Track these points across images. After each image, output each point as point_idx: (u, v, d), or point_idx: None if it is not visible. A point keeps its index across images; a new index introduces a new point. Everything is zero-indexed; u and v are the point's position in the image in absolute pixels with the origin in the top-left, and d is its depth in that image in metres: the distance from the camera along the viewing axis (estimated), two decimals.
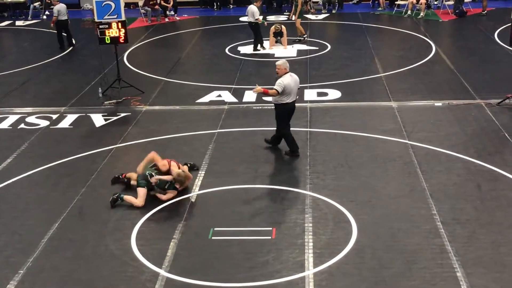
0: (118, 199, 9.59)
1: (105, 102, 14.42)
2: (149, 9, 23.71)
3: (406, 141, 11.61)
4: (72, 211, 9.51)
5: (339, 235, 8.59)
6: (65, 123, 13.31)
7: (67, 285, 7.73)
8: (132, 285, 7.67)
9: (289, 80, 10.88)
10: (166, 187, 9.75)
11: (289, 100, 10.97)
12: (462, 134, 11.92)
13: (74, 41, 20.02)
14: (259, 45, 18.60)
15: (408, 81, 15.34)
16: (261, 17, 18.46)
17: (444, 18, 22.67)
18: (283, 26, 19.08)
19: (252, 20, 18.14)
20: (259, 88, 10.97)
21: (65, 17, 19.31)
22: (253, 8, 18.11)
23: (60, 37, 19.65)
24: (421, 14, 22.96)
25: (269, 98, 12.14)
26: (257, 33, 18.44)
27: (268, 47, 19.01)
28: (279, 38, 19.16)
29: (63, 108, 14.21)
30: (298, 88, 11.27)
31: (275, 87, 10.84)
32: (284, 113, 11.15)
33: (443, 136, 11.83)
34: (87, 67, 17.47)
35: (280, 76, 10.93)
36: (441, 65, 16.74)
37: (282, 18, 22.42)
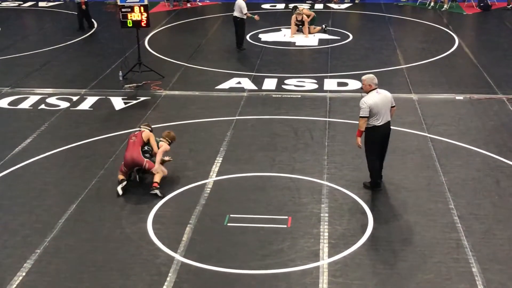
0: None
1: (125, 86, 14.46)
2: None
3: (426, 134, 11.53)
4: (90, 193, 9.57)
5: (355, 226, 8.57)
6: (85, 105, 13.38)
7: (82, 266, 7.80)
8: (147, 268, 7.72)
9: (375, 98, 9.13)
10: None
11: (377, 122, 9.18)
12: (482, 129, 11.81)
13: (94, 22, 20.07)
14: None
15: (430, 74, 15.21)
16: (249, 13, 17.30)
17: (468, 11, 22.39)
18: (304, 16, 18.97)
19: (238, 15, 17.13)
20: (358, 142, 9.41)
21: None
22: (241, 3, 17.06)
23: (82, 18, 19.75)
24: (445, 6, 22.71)
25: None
26: (241, 29, 17.41)
27: (289, 35, 18.91)
28: (300, 26, 19.07)
29: (84, 90, 14.28)
30: (393, 106, 9.39)
31: (360, 113, 9.19)
32: (374, 138, 9.30)
33: (463, 130, 11.73)
34: (108, 50, 17.52)
35: (366, 94, 9.35)
36: (463, 58, 16.57)
37: (305, 6, 22.27)
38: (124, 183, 9.54)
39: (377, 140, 9.33)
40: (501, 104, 13.03)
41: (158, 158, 9.68)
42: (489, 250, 7.95)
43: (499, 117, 12.36)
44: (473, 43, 18.36)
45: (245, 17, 17.12)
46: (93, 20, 20.25)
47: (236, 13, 17.18)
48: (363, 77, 9.38)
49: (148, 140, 9.86)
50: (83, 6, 19.53)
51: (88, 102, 13.51)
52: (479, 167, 10.30)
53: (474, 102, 13.20)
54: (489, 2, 22.61)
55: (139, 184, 9.77)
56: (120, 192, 9.45)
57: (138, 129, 10.22)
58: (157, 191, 9.40)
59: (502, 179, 9.85)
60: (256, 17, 17.62)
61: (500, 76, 14.78)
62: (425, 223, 8.61)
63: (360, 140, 9.37)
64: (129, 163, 9.64)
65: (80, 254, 8.05)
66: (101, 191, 9.62)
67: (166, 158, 10.10)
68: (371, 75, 9.36)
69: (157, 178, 9.53)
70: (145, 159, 9.67)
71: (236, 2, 17.19)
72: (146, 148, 9.85)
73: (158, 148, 9.83)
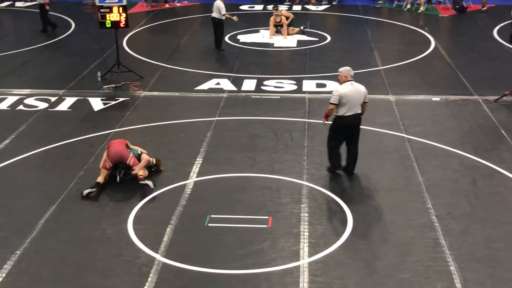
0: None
1: (104, 86, 14.42)
2: None
3: (403, 135, 11.67)
4: (70, 193, 9.55)
5: (335, 225, 8.67)
6: (64, 106, 13.32)
7: (63, 267, 7.78)
8: (128, 269, 7.74)
9: (347, 89, 9.59)
10: (139, 153, 10.00)
11: (344, 112, 9.63)
12: (459, 130, 11.99)
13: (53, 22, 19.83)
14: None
15: (407, 75, 15.39)
16: (228, 14, 17.36)
17: (444, 13, 22.67)
18: (283, 17, 19.08)
19: (217, 16, 17.14)
20: (323, 122, 9.97)
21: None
22: (219, 4, 17.06)
23: (45, 19, 19.52)
24: (421, 8, 22.96)
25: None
26: (220, 30, 17.44)
27: (268, 36, 19.00)
28: (279, 27, 19.17)
29: (62, 91, 14.21)
30: (365, 102, 9.82)
31: (330, 99, 9.73)
32: (338, 127, 9.81)
33: (440, 131, 11.90)
34: (86, 51, 17.43)
35: (340, 84, 9.81)
36: (439, 60, 16.79)
37: (283, 7, 22.37)
38: (94, 191, 9.41)
39: (340, 129, 9.79)
40: (477, 105, 13.23)
41: (142, 163, 9.75)
42: (466, 249, 8.09)
43: (475, 118, 12.55)
44: (449, 45, 18.60)
45: (223, 18, 17.14)
46: (53, 21, 19.96)
47: (214, 14, 17.19)
48: (340, 69, 9.89)
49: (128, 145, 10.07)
50: (47, 7, 19.27)
51: (67, 103, 13.45)
52: (455, 167, 10.47)
53: (450, 103, 13.39)
54: (464, 4, 22.90)
55: (119, 184, 9.75)
56: (84, 193, 9.36)
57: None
58: (148, 182, 9.50)
59: (478, 179, 10.02)
60: (234, 18, 17.63)
61: (475, 78, 15.00)
62: (403, 222, 8.74)
63: (325, 121, 9.96)
64: (114, 157, 9.68)
65: (60, 255, 8.03)
66: (81, 191, 9.57)
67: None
68: (348, 67, 9.87)
69: (141, 172, 9.65)
70: (131, 154, 9.73)
71: (215, 3, 17.21)
72: (129, 150, 9.93)
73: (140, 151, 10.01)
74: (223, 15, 17.07)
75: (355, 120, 9.77)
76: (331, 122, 9.98)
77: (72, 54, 17.32)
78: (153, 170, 10.10)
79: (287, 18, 19.24)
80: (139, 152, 10.04)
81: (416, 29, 20.26)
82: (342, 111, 9.63)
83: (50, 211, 9.03)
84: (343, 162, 10.12)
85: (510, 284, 7.43)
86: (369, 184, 9.84)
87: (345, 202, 9.23)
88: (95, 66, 15.72)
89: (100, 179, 9.63)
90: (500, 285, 7.41)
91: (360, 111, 9.78)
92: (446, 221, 8.74)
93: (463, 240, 8.32)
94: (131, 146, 10.14)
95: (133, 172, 9.71)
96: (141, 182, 9.54)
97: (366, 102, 9.86)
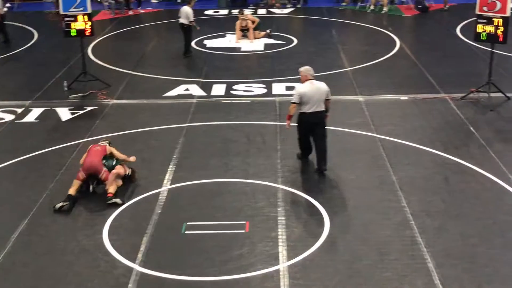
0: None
1: (71, 96, 14.22)
2: (113, 1, 23.44)
3: (374, 135, 11.75)
4: (42, 206, 9.37)
5: (312, 227, 8.67)
6: (31, 117, 13.10)
7: (39, 281, 7.64)
8: (106, 280, 7.62)
9: (307, 88, 9.99)
10: (113, 164, 9.83)
11: (305, 109, 10.01)
12: (428, 128, 12.12)
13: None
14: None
15: (374, 76, 15.53)
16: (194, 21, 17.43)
17: (407, 13, 22.95)
18: (249, 21, 19.10)
19: (185, 22, 17.13)
20: (287, 124, 10.37)
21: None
22: (187, 10, 17.10)
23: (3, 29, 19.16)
24: (384, 9, 23.20)
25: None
26: (188, 36, 17.44)
27: (235, 40, 18.99)
28: (245, 32, 19.17)
29: (28, 101, 13.97)
30: (328, 99, 10.18)
31: (291, 99, 10.20)
32: (301, 123, 10.23)
33: (410, 130, 12.02)
34: (51, 60, 17.19)
35: (301, 83, 10.21)
36: (405, 59, 16.98)
37: (248, 11, 22.38)
38: (66, 204, 9.20)
39: (304, 125, 10.22)
40: (445, 103, 13.40)
41: (111, 177, 9.59)
42: (443, 246, 8.16)
43: (443, 115, 12.71)
44: (413, 44, 18.82)
45: (191, 24, 17.13)
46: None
47: (182, 20, 17.16)
48: (300, 69, 10.30)
49: (111, 153, 9.89)
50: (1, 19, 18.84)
51: (34, 114, 13.22)
52: (427, 165, 10.58)
53: (418, 102, 13.54)
54: (426, 4, 23.22)
55: (92, 195, 9.61)
56: (56, 207, 9.17)
57: (104, 142, 10.17)
58: (115, 200, 9.30)
59: (450, 176, 10.14)
60: (197, 27, 17.67)
61: (441, 76, 15.20)
62: (379, 221, 8.79)
63: (288, 123, 10.32)
64: (88, 168, 9.54)
65: (36, 269, 7.88)
66: (53, 204, 9.39)
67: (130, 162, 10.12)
68: (308, 67, 10.29)
69: (111, 189, 9.42)
70: (104, 168, 9.58)
71: (182, 9, 17.22)
72: (104, 162, 9.76)
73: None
74: (191, 22, 17.06)
75: (318, 117, 10.10)
76: (296, 124, 10.36)
77: (37, 64, 17.07)
78: (125, 180, 9.96)
79: (253, 22, 19.27)
80: (114, 164, 9.88)
81: (381, 29, 20.46)
82: (305, 109, 10.02)
83: (22, 224, 8.85)
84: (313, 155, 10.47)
85: (487, 278, 7.52)
86: (344, 184, 9.88)
87: (321, 203, 9.24)
88: (61, 76, 15.51)
89: (71, 191, 9.45)
90: (477, 280, 7.49)
91: (323, 109, 10.12)
92: (421, 219, 8.82)
93: (439, 237, 8.40)
94: (115, 153, 9.93)
95: (106, 187, 9.56)
96: (108, 202, 9.30)
97: (329, 99, 10.24)
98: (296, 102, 10.03)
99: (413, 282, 7.46)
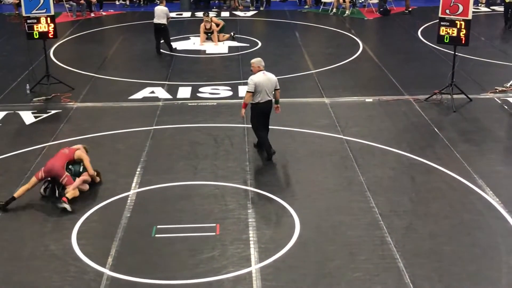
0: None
1: (34, 99, 13.98)
2: (74, 3, 23.16)
3: (341, 136, 11.85)
4: (7, 211, 9.18)
5: (283, 229, 8.69)
6: None
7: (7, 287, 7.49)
8: (76, 285, 7.51)
9: (261, 78, 10.55)
10: (81, 170, 9.75)
11: (259, 99, 10.57)
12: (393, 129, 12.28)
13: None
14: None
15: (339, 78, 15.66)
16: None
17: (369, 16, 23.23)
18: (213, 23, 19.07)
19: (163, 21, 17.32)
20: (242, 113, 10.84)
21: None
22: (165, 10, 17.32)
23: None
24: (347, 12, 23.44)
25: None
26: (166, 35, 17.69)
27: (199, 43, 18.94)
28: (209, 34, 19.14)
29: None
30: (277, 89, 10.79)
31: (246, 88, 10.70)
32: (256, 112, 10.75)
33: (376, 131, 12.15)
34: (12, 63, 16.85)
35: (253, 74, 10.72)
36: (369, 62, 17.17)
37: (211, 14, 22.34)
38: (2, 204, 9.18)
39: (258, 114, 10.73)
40: (409, 104, 13.59)
41: (76, 183, 9.47)
42: (412, 245, 8.26)
43: (407, 117, 12.89)
44: (376, 47, 19.05)
45: (167, 22, 17.39)
46: None
47: (160, 20, 17.30)
48: (252, 60, 10.84)
49: (79, 159, 9.77)
50: None
51: None
52: (393, 165, 10.71)
53: (383, 103, 13.70)
54: (387, 7, 23.54)
55: (59, 199, 9.45)
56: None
57: (76, 146, 10.05)
58: (66, 205, 9.12)
59: (416, 176, 10.28)
60: None
61: (404, 78, 15.42)
62: (349, 222, 8.85)
63: (244, 112, 10.79)
64: (48, 171, 9.41)
65: (3, 275, 7.71)
66: (19, 209, 9.24)
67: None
68: (259, 59, 10.86)
69: (68, 194, 9.30)
70: (66, 173, 9.44)
71: (158, 8, 17.45)
72: (70, 167, 9.65)
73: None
74: (168, 19, 17.38)
75: (269, 106, 10.76)
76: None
77: None
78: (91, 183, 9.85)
79: (217, 25, 19.25)
80: (81, 170, 9.74)
81: (344, 32, 20.66)
82: (257, 99, 10.57)
83: None
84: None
85: (456, 277, 7.64)
86: (313, 186, 9.93)
87: (290, 205, 9.27)
88: (23, 79, 15.22)
89: (19, 192, 9.32)
90: (446, 278, 7.60)
91: (272, 98, 10.76)
92: (390, 219, 8.92)
93: (408, 236, 8.50)
94: (84, 160, 9.78)
95: (66, 191, 9.43)
96: (58, 206, 9.15)
97: (278, 89, 10.85)
98: (252, 91, 10.50)
99: (384, 281, 7.54)
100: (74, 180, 9.52)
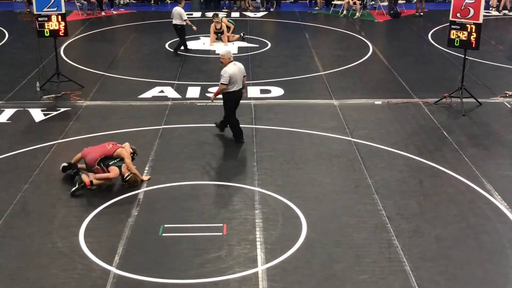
0: (75, 174, 9.99)
1: (44, 97, 14.05)
2: (85, 2, 23.24)
3: (349, 138, 11.84)
4: (15, 208, 9.24)
5: (289, 230, 8.69)
6: (3, 117, 12.90)
7: (14, 284, 7.52)
8: (83, 283, 7.54)
9: (234, 69, 11.17)
10: (111, 163, 9.92)
11: (234, 88, 11.25)
12: (402, 132, 12.25)
13: None
14: (180, 47, 18.17)
15: (348, 80, 15.63)
16: (189, 21, 18.02)
17: (379, 19, 23.18)
18: (223, 24, 19.09)
19: (178, 22, 17.60)
20: (212, 96, 11.76)
21: None
22: (180, 10, 17.54)
23: None
24: (357, 14, 23.41)
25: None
26: (182, 35, 17.92)
27: (209, 43, 18.98)
28: (219, 35, 19.17)
29: (0, 102, 13.77)
30: (244, 76, 11.52)
31: (221, 80, 11.21)
32: (230, 102, 11.43)
33: (384, 134, 12.13)
34: (22, 60, 16.94)
35: (224, 66, 11.21)
36: (378, 64, 17.14)
37: (221, 14, 22.39)
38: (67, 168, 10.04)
39: (232, 102, 11.42)
40: (418, 107, 13.56)
41: (105, 175, 9.79)
42: (419, 249, 8.25)
43: (416, 120, 12.86)
44: (386, 49, 19.01)
45: (184, 23, 17.61)
46: None
47: (175, 21, 17.63)
48: (221, 52, 11.40)
49: (118, 156, 9.92)
50: None
51: (6, 115, 13.03)
52: (402, 168, 10.68)
53: (392, 106, 13.68)
54: (398, 9, 23.49)
55: (68, 197, 9.50)
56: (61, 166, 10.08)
57: (124, 145, 10.23)
58: (86, 187, 9.64)
59: (424, 179, 10.26)
60: (194, 27, 18.27)
61: (414, 81, 15.38)
62: (356, 224, 8.84)
63: (214, 98, 11.73)
64: (84, 156, 9.90)
65: (10, 271, 7.75)
66: (27, 206, 9.30)
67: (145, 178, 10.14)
68: (228, 49, 11.83)
69: (95, 181, 9.70)
70: (96, 166, 9.74)
71: (174, 9, 17.72)
72: (109, 162, 9.86)
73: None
74: (185, 20, 17.58)
75: (241, 93, 11.51)
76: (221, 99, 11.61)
77: (8, 64, 16.82)
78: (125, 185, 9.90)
79: (228, 28, 19.29)
80: (119, 165, 9.91)
81: (354, 34, 20.63)
82: (233, 88, 11.21)
83: None
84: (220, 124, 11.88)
85: (462, 280, 7.63)
86: (320, 187, 9.93)
87: (298, 206, 9.27)
88: (33, 76, 15.28)
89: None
90: (452, 282, 7.59)
91: (241, 86, 11.40)
92: (397, 222, 8.90)
93: (415, 239, 8.49)
94: (123, 156, 9.91)
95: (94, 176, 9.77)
96: (80, 184, 9.66)
97: (245, 76, 11.62)
98: (226, 83, 11.11)
99: (390, 284, 7.53)
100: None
